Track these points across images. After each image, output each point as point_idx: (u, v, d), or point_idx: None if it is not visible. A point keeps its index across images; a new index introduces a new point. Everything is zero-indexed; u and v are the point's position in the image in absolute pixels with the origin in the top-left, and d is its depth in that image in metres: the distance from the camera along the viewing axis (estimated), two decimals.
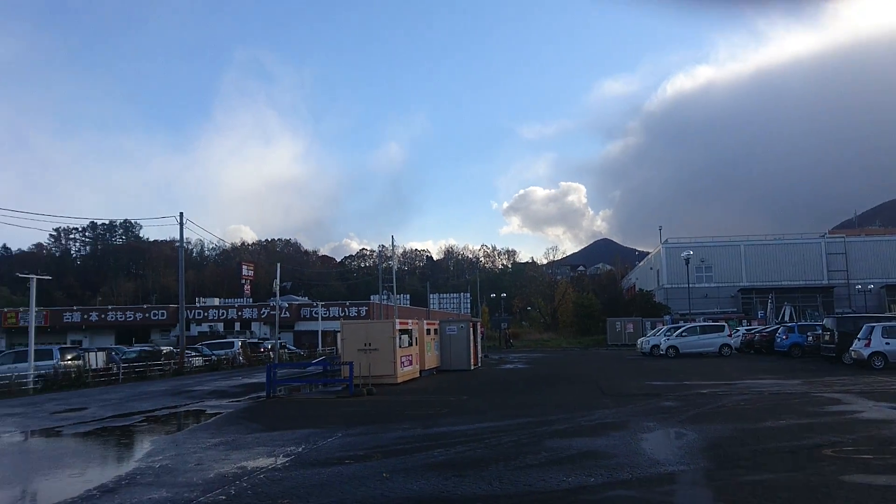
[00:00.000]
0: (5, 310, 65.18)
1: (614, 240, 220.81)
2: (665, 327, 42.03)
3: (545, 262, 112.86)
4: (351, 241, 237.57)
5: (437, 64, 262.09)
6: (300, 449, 10.04)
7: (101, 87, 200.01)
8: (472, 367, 27.98)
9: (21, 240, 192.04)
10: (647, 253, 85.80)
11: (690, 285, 51.99)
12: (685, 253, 50.05)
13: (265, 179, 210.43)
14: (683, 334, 35.43)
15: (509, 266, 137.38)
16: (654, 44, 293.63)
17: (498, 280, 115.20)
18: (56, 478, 8.97)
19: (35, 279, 26.21)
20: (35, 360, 25.38)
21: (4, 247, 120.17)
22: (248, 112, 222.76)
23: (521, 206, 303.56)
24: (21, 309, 61.12)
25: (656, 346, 35.81)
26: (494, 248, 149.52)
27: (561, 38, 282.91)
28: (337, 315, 58.29)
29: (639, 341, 41.24)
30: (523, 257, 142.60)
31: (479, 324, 34.05)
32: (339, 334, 23.18)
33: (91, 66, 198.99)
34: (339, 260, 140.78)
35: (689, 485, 7.32)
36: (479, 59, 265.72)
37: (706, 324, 39.21)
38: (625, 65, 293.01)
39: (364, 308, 62.72)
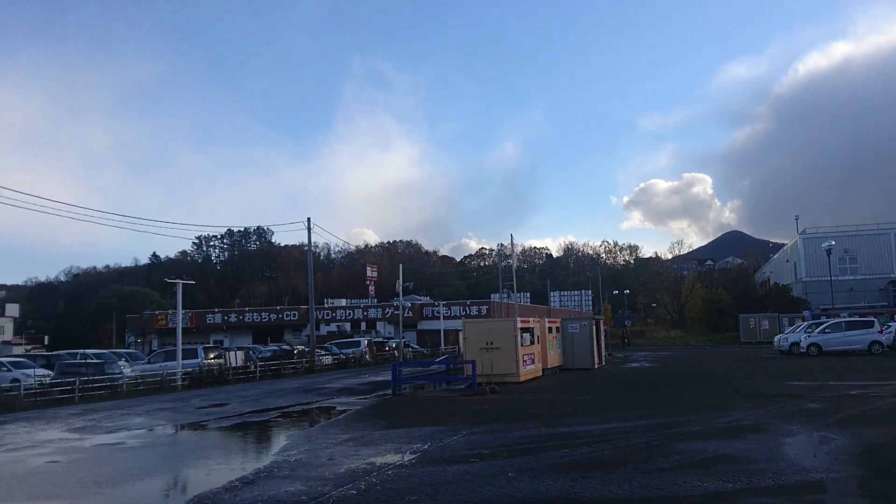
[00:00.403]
0: (156, 312, 70.93)
1: (745, 231, 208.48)
2: (805, 323, 39.29)
3: (670, 256, 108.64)
4: (469, 241, 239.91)
5: (551, 59, 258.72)
6: (426, 446, 10.18)
7: (232, 103, 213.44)
8: (596, 366, 27.40)
9: (168, 248, 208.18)
10: (782, 244, 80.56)
11: (833, 278, 48.28)
12: (826, 243, 46.51)
13: (384, 183, 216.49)
14: (826, 331, 32.95)
15: (631, 262, 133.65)
16: (782, 22, 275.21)
17: (620, 276, 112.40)
18: (202, 468, 9.58)
19: (181, 284, 28.25)
20: (182, 359, 27.43)
21: (154, 255, 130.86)
22: (368, 119, 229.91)
23: (641, 200, 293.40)
24: (170, 311, 66.26)
25: (796, 344, 33.55)
26: (616, 244, 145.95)
27: (679, 23, 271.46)
28: (458, 314, 58.88)
29: (776, 339, 38.84)
30: (646, 252, 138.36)
31: (601, 321, 33.30)
32: (460, 333, 23.38)
33: (223, 84, 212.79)
34: (458, 259, 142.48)
35: (841, 494, 6.75)
36: (593, 50, 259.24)
37: (852, 319, 36.32)
38: (750, 46, 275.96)
39: (485, 307, 62.99)
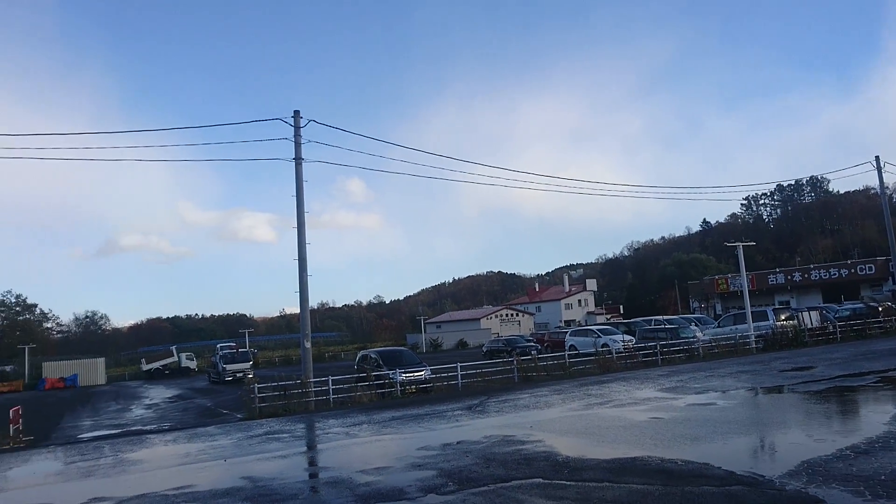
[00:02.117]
0: (716, 277, 71.84)
1: None
2: None
3: None
4: None
5: None
6: None
7: (750, 54, 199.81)
8: None
9: (716, 213, 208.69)
10: None
11: None
12: None
13: None
14: None
15: None
16: None
17: None
18: (800, 433, 9.16)
19: (741, 247, 27.93)
20: (752, 321, 27.06)
21: (704, 221, 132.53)
22: None
23: None
24: (729, 275, 66.33)
25: None
26: None
27: None
28: None
29: None
30: None
31: None
32: None
33: (737, 35, 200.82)
34: None
35: None
36: None
37: None
38: None
39: None
